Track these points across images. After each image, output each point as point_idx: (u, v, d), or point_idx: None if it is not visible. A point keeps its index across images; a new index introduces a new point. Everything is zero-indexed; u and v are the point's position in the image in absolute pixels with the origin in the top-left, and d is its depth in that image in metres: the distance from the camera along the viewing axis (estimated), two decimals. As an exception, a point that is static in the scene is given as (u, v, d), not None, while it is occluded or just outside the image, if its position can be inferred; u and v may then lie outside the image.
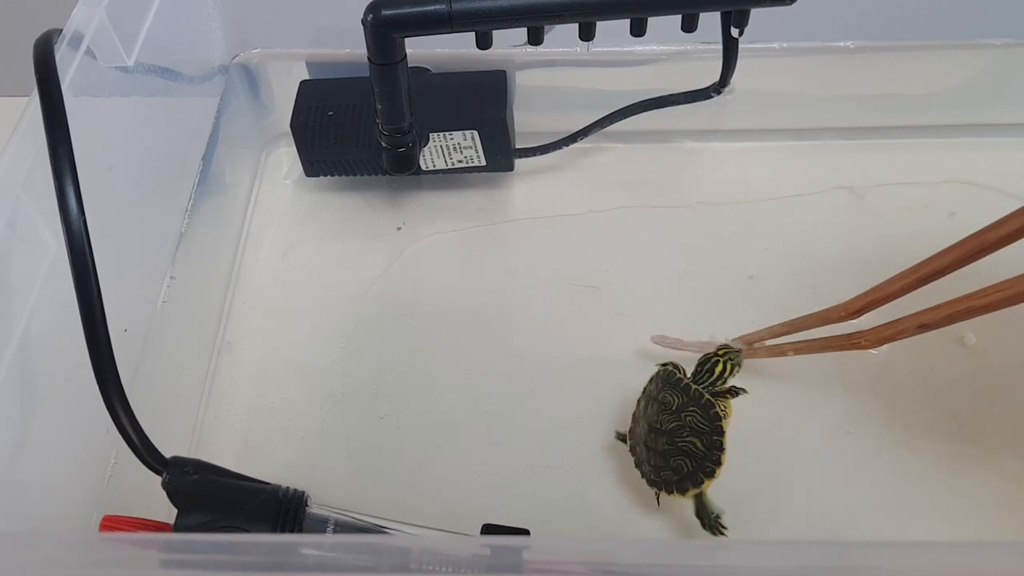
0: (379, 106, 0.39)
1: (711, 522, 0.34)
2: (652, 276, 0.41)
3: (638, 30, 0.37)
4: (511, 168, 0.47)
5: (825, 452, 0.38)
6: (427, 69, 0.46)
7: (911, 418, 0.38)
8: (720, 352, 0.36)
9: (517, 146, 0.47)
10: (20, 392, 0.30)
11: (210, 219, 0.44)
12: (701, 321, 0.42)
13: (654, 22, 0.37)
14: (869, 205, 0.46)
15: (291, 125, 0.45)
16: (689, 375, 0.36)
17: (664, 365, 0.36)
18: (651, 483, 0.35)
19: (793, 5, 0.36)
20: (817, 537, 0.35)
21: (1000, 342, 0.40)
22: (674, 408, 0.34)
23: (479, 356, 0.42)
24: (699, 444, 0.34)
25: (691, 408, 0.34)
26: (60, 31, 0.34)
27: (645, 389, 0.37)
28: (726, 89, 0.42)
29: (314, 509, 0.31)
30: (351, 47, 0.46)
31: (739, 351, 0.36)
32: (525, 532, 0.32)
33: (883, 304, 0.34)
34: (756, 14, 0.37)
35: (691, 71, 0.43)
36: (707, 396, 0.34)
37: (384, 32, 0.36)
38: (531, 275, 0.44)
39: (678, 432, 0.34)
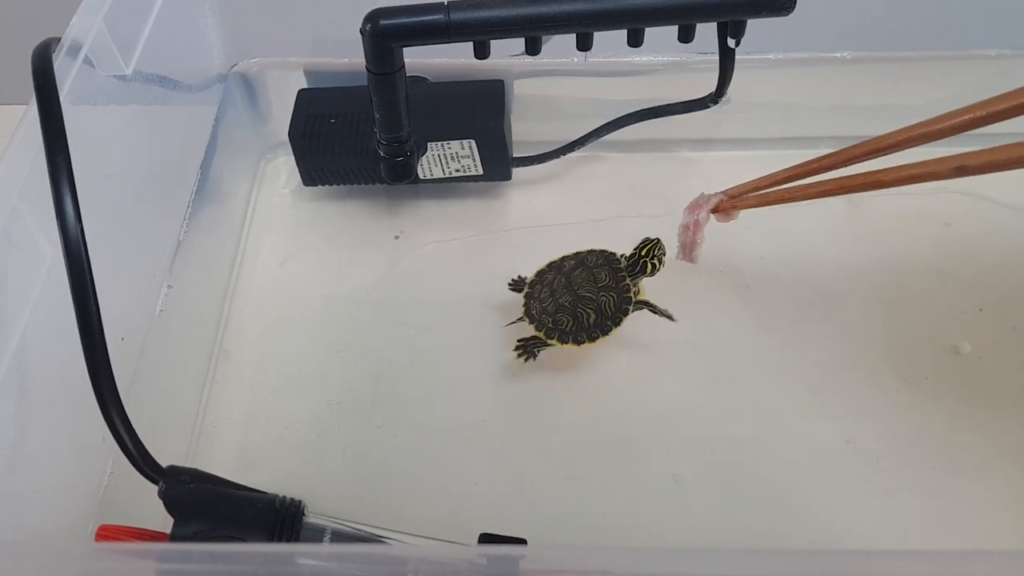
0: (377, 115, 0.39)
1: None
2: (649, 285, 0.41)
3: (635, 40, 0.37)
4: (508, 177, 0.47)
5: (823, 461, 0.38)
6: (425, 78, 0.46)
7: (907, 427, 0.38)
8: (644, 252, 0.39)
9: (514, 155, 0.47)
10: (16, 401, 0.30)
11: (208, 228, 0.44)
12: (697, 328, 0.42)
13: (651, 32, 0.37)
14: (865, 214, 0.46)
15: (289, 134, 0.46)
16: (625, 263, 0.39)
17: (609, 252, 0.40)
18: (539, 325, 0.39)
19: (789, 16, 0.36)
20: (815, 545, 0.35)
21: (995, 351, 0.40)
22: (600, 285, 0.39)
23: (476, 365, 0.41)
24: (593, 318, 0.38)
25: (611, 293, 0.38)
26: (59, 39, 0.34)
27: (581, 255, 0.40)
28: (723, 99, 0.42)
29: (311, 518, 0.31)
30: (349, 56, 0.46)
31: (657, 244, 0.39)
32: (522, 541, 0.32)
33: (881, 155, 0.33)
34: (752, 25, 0.37)
35: (688, 81, 0.44)
36: (631, 294, 0.39)
37: (382, 42, 0.36)
38: (528, 284, 0.44)
39: (585, 302, 0.38)
